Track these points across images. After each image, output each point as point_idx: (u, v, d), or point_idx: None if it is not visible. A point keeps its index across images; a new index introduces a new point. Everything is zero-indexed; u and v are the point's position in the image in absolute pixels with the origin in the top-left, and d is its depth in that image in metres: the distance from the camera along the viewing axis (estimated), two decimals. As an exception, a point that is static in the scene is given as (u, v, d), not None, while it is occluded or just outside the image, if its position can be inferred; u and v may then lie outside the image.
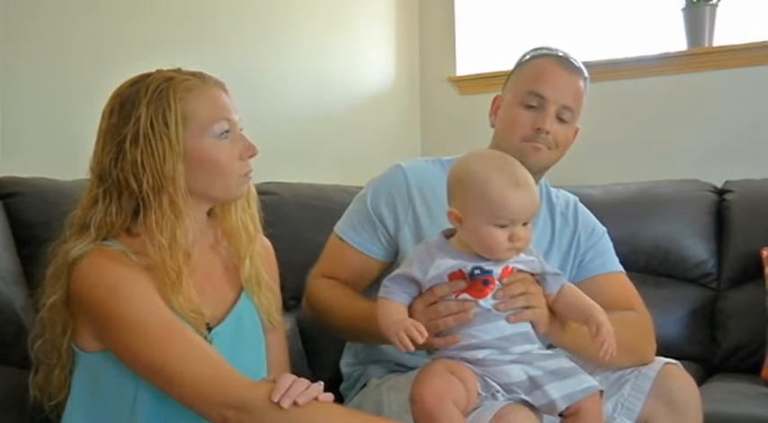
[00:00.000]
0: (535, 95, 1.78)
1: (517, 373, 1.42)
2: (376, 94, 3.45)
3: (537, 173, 1.76)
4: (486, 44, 3.59)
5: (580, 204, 1.95)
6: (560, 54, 1.83)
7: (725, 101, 3.10)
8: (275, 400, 1.30)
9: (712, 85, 3.12)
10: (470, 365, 1.42)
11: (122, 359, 1.41)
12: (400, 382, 1.71)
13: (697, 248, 2.72)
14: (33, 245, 1.75)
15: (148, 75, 1.49)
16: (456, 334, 1.44)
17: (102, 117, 1.49)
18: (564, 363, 1.44)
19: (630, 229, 2.67)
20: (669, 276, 2.73)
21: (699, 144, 3.12)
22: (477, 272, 1.44)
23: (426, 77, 3.65)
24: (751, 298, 2.55)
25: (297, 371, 1.54)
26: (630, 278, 1.90)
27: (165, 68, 1.52)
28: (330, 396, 1.35)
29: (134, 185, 1.43)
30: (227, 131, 1.49)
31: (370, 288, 1.77)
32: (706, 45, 3.13)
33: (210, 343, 1.46)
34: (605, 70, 3.21)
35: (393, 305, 1.47)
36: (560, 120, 1.79)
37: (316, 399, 1.32)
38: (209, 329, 1.49)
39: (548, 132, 1.76)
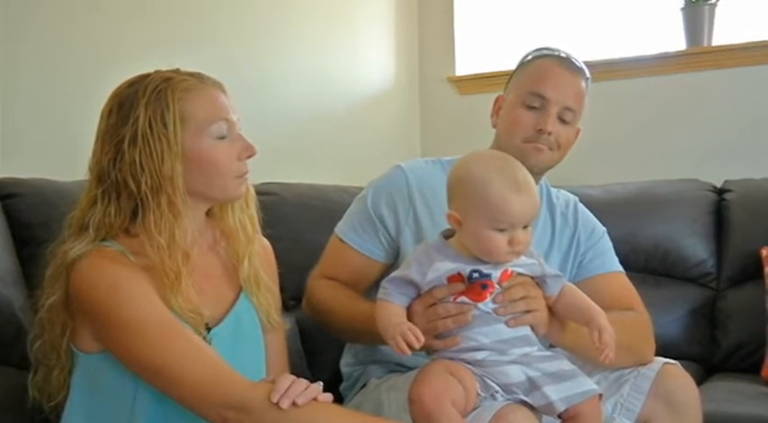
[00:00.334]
0: (537, 96, 1.78)
1: (516, 374, 1.42)
2: (376, 94, 3.45)
3: (538, 173, 1.76)
4: (486, 44, 3.59)
5: (580, 204, 1.95)
6: (562, 55, 1.84)
7: (724, 100, 3.10)
8: (274, 400, 1.30)
9: (711, 85, 3.12)
10: (469, 366, 1.42)
11: (121, 360, 1.41)
12: (400, 382, 1.71)
13: (696, 248, 2.72)
14: (33, 246, 1.75)
15: (147, 75, 1.49)
16: (455, 336, 1.44)
17: (101, 117, 1.49)
18: (563, 365, 1.44)
19: (630, 228, 2.68)
20: (669, 276, 2.73)
21: (698, 144, 3.12)
22: (475, 275, 1.43)
23: (426, 77, 3.65)
24: (751, 297, 2.55)
25: (296, 371, 1.54)
26: (630, 278, 1.90)
27: (164, 69, 1.52)
28: (329, 396, 1.35)
29: (132, 186, 1.43)
30: (225, 132, 1.49)
31: (371, 289, 1.77)
32: (705, 45, 3.13)
33: (209, 343, 1.46)
34: (604, 70, 3.21)
35: (391, 307, 1.46)
36: (562, 121, 1.79)
37: (315, 399, 1.32)
38: (209, 330, 1.49)
39: (549, 133, 1.76)
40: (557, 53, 1.84)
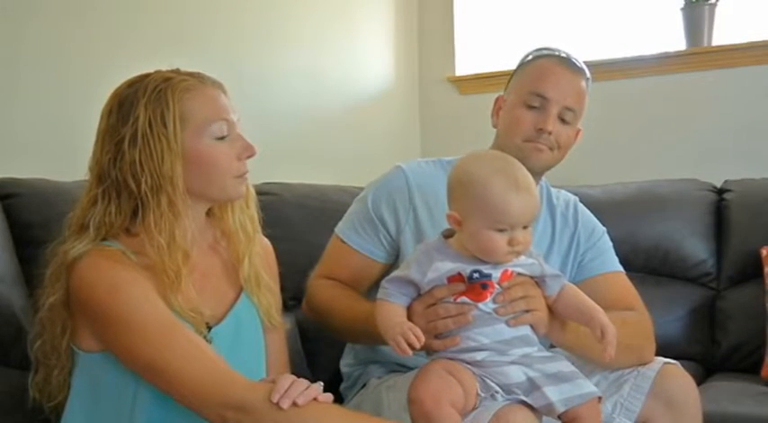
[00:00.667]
0: (537, 96, 1.78)
1: (516, 374, 1.42)
2: (376, 94, 3.45)
3: (538, 173, 1.76)
4: (486, 44, 3.59)
5: (580, 204, 1.95)
6: (563, 55, 1.84)
7: (724, 100, 3.10)
8: (274, 400, 1.30)
9: (711, 85, 3.12)
10: (469, 366, 1.42)
11: (121, 359, 1.41)
12: (400, 382, 1.71)
13: (696, 248, 2.72)
14: (32, 246, 1.75)
15: (147, 75, 1.50)
16: (455, 336, 1.44)
17: (101, 117, 1.49)
18: (564, 366, 1.44)
19: (630, 228, 2.67)
20: (669, 276, 2.73)
21: (698, 143, 3.12)
22: (475, 275, 1.43)
23: (426, 77, 3.65)
24: (750, 297, 2.55)
25: (296, 371, 1.54)
26: (630, 278, 1.90)
27: (164, 69, 1.52)
28: (329, 396, 1.35)
29: (133, 185, 1.43)
30: (225, 132, 1.49)
31: (371, 289, 1.77)
32: (705, 44, 3.13)
33: (210, 342, 1.46)
34: (604, 70, 3.21)
35: (392, 307, 1.46)
36: (562, 120, 1.79)
37: (315, 399, 1.32)
38: (209, 329, 1.49)
39: (550, 133, 1.76)
40: (557, 53, 1.84)
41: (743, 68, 3.06)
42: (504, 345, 1.43)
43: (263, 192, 1.92)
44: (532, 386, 1.41)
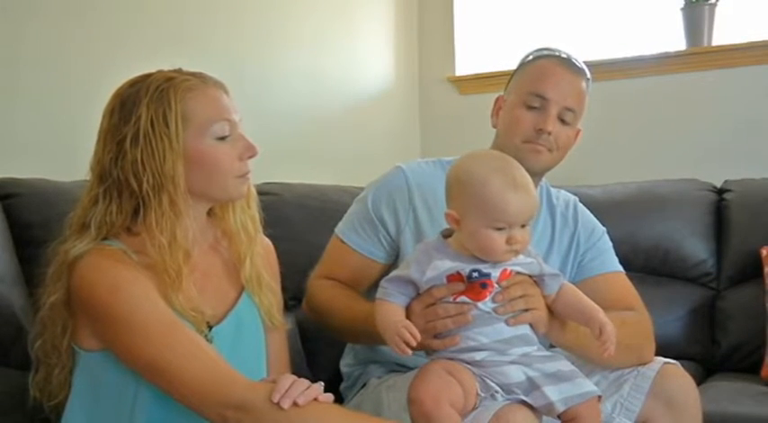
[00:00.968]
0: (537, 96, 1.78)
1: (516, 374, 1.42)
2: (376, 94, 3.45)
3: (537, 174, 1.76)
4: (486, 44, 3.59)
5: (580, 204, 1.95)
6: (563, 55, 1.83)
7: (724, 100, 3.10)
8: (275, 400, 1.30)
9: (711, 85, 3.12)
10: (469, 366, 1.42)
11: (122, 358, 1.41)
12: (400, 381, 1.71)
13: (696, 248, 2.72)
14: (32, 246, 1.75)
15: (149, 75, 1.50)
16: (455, 336, 1.44)
17: (103, 117, 1.50)
18: (563, 366, 1.44)
19: (630, 228, 2.67)
20: (668, 276, 2.73)
21: (698, 143, 3.12)
22: (475, 275, 1.43)
23: (426, 77, 3.65)
24: (750, 297, 2.55)
25: (297, 371, 1.54)
26: (630, 278, 1.90)
27: (166, 69, 1.52)
28: (330, 396, 1.35)
29: (134, 185, 1.44)
30: (227, 132, 1.49)
31: (371, 290, 1.76)
32: (705, 44, 3.14)
33: (211, 341, 1.46)
34: (604, 70, 3.21)
35: (391, 307, 1.46)
36: (562, 121, 1.79)
37: (315, 399, 1.32)
38: (210, 328, 1.49)
39: (549, 133, 1.76)
40: (557, 53, 1.84)
41: (743, 68, 3.06)
42: (503, 344, 1.43)
43: (263, 192, 1.91)
44: (532, 386, 1.41)
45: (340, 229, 1.88)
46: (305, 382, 1.33)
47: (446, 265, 1.45)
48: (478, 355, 1.43)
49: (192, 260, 1.47)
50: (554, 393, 1.40)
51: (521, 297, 1.46)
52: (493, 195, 1.41)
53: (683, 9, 3.16)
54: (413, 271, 1.47)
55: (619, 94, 3.22)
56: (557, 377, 1.42)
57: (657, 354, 1.73)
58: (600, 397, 1.45)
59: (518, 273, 1.47)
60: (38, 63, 2.21)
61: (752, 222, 2.66)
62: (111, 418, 1.45)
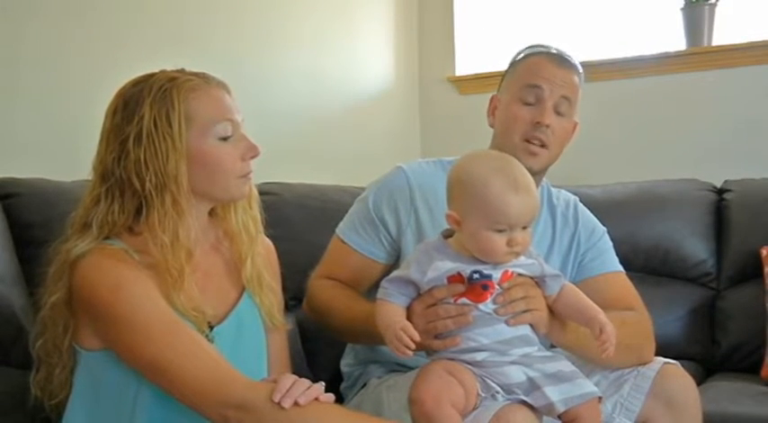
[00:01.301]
0: (532, 89, 1.78)
1: (517, 375, 1.42)
2: (376, 94, 3.45)
3: (536, 173, 1.76)
4: (486, 44, 3.59)
5: (580, 204, 1.95)
6: (554, 50, 1.85)
7: (724, 100, 3.10)
8: (276, 400, 1.30)
9: (711, 85, 3.12)
10: (470, 366, 1.42)
11: (123, 357, 1.41)
12: (400, 381, 1.71)
13: (696, 248, 2.71)
14: (33, 246, 1.75)
15: (152, 75, 1.50)
16: (455, 337, 1.44)
17: (106, 116, 1.50)
18: (564, 366, 1.44)
19: (630, 228, 2.67)
20: (668, 276, 2.73)
21: (698, 143, 3.12)
22: (476, 276, 1.43)
23: (426, 77, 3.65)
24: (750, 297, 2.55)
25: (297, 371, 1.54)
26: (630, 278, 1.90)
27: (169, 69, 1.52)
28: (331, 396, 1.35)
29: (137, 184, 1.44)
30: (229, 132, 1.50)
31: (372, 290, 1.76)
32: (705, 44, 3.14)
33: (212, 341, 1.46)
34: (604, 70, 3.22)
35: (391, 307, 1.46)
36: (558, 113, 1.79)
37: (316, 399, 1.32)
38: (211, 328, 1.49)
39: (547, 126, 1.77)
40: (548, 49, 1.85)
41: (743, 68, 3.06)
42: (504, 345, 1.43)
43: (263, 192, 1.91)
44: (532, 386, 1.41)
45: (341, 229, 1.88)
46: (306, 382, 1.33)
47: (447, 265, 1.45)
48: (479, 356, 1.42)
49: (193, 260, 1.47)
50: (554, 394, 1.40)
51: (522, 299, 1.46)
52: (494, 197, 1.41)
53: (683, 9, 3.16)
54: (413, 271, 1.47)
55: (619, 94, 3.22)
56: (557, 378, 1.42)
57: (657, 354, 1.73)
58: (600, 398, 1.45)
59: (519, 274, 1.47)
60: (38, 63, 2.21)
61: (752, 222, 2.66)
62: (111, 418, 1.45)
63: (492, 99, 1.89)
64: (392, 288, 1.48)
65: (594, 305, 1.49)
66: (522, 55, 1.87)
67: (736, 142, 3.04)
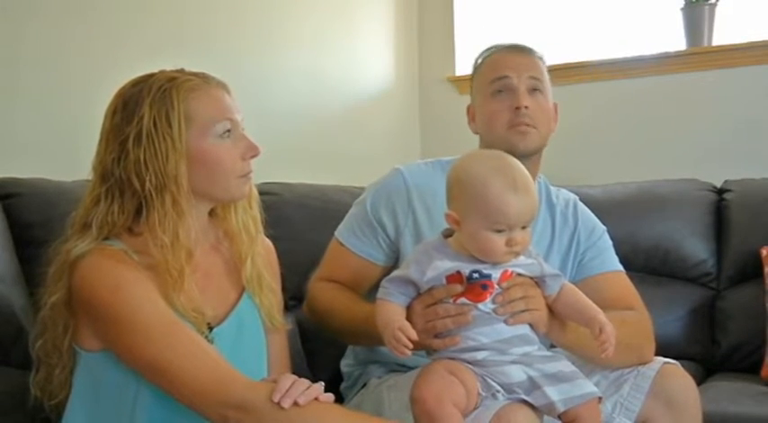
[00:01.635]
0: (500, 81, 1.81)
1: (517, 374, 1.42)
2: (376, 94, 3.45)
3: (533, 153, 1.78)
4: (486, 44, 3.58)
5: (580, 203, 1.95)
6: (508, 44, 1.89)
7: (724, 100, 3.10)
8: (275, 400, 1.30)
9: (711, 85, 3.12)
10: (470, 366, 1.42)
11: (123, 358, 1.41)
12: (400, 381, 1.71)
13: (696, 248, 2.72)
14: (33, 246, 1.75)
15: (151, 75, 1.50)
16: (455, 336, 1.44)
17: (105, 117, 1.50)
18: (564, 366, 1.44)
19: (630, 228, 2.67)
20: (669, 276, 2.73)
21: (698, 143, 3.12)
22: (475, 276, 1.43)
23: (426, 77, 3.65)
24: (750, 297, 2.55)
25: (297, 371, 1.54)
26: (630, 278, 1.89)
27: (168, 69, 1.52)
28: (330, 396, 1.35)
29: (137, 184, 1.44)
30: (229, 131, 1.50)
31: (371, 292, 1.76)
32: (705, 44, 3.14)
33: (212, 342, 1.46)
34: (605, 70, 3.22)
35: (391, 307, 1.47)
36: (533, 94, 1.81)
37: (316, 399, 1.32)
38: (211, 329, 1.49)
39: (526, 107, 1.79)
40: (502, 45, 1.90)
41: (743, 68, 3.06)
42: (503, 344, 1.43)
43: (263, 192, 1.91)
44: (533, 385, 1.41)
45: (339, 232, 1.88)
46: (305, 382, 1.33)
47: (446, 265, 1.45)
48: (479, 355, 1.43)
49: (193, 260, 1.47)
50: (554, 394, 1.40)
51: (521, 298, 1.46)
52: (493, 197, 1.41)
53: (683, 9, 3.16)
54: (412, 271, 1.47)
55: (619, 94, 3.22)
56: (557, 378, 1.42)
57: (657, 354, 1.73)
58: (600, 398, 1.45)
59: (519, 274, 1.47)
60: (38, 63, 2.21)
61: (752, 222, 2.66)
62: (111, 419, 1.45)
63: (468, 109, 1.92)
64: (392, 287, 1.48)
65: (594, 305, 1.49)
66: (480, 59, 1.91)
67: (736, 142, 3.04)
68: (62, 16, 2.28)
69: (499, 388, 1.41)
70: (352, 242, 1.84)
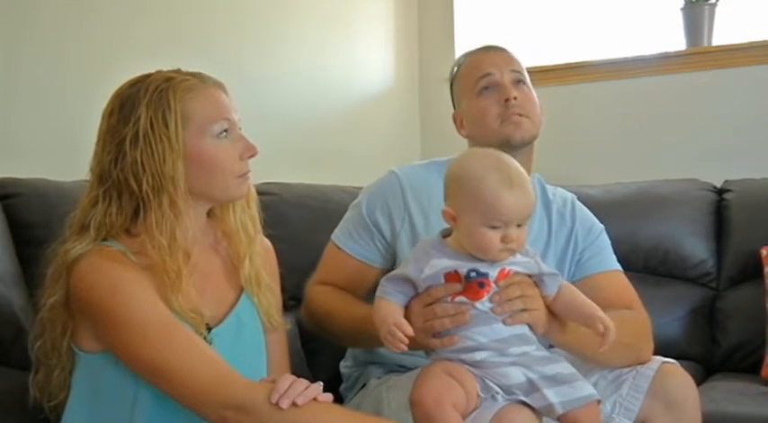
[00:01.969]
0: (484, 79, 1.84)
1: (516, 375, 1.42)
2: (376, 95, 3.45)
3: (527, 144, 1.81)
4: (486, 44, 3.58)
5: (578, 202, 1.95)
6: (481, 46, 1.93)
7: (724, 100, 3.10)
8: (274, 400, 1.30)
9: (711, 85, 3.12)
10: (469, 367, 1.42)
11: (122, 359, 1.41)
12: (400, 381, 1.71)
13: (696, 248, 2.71)
14: (33, 246, 1.75)
15: (148, 75, 1.50)
16: (453, 335, 1.44)
17: (102, 118, 1.50)
18: (563, 368, 1.44)
19: (630, 228, 2.67)
20: (668, 276, 2.73)
21: (698, 143, 3.11)
22: (473, 274, 1.43)
23: (426, 77, 3.64)
24: (750, 297, 2.54)
25: (296, 371, 1.54)
26: (630, 278, 1.89)
27: (165, 69, 1.52)
28: (329, 396, 1.35)
29: (134, 185, 1.44)
30: (226, 131, 1.50)
31: (369, 295, 1.76)
32: (705, 44, 3.13)
33: (210, 343, 1.46)
34: (605, 70, 3.22)
35: (388, 305, 1.47)
36: (517, 85, 1.84)
37: (315, 399, 1.32)
38: (209, 329, 1.49)
39: (515, 98, 1.81)
40: (476, 48, 1.93)
41: (743, 68, 3.06)
42: (502, 343, 1.43)
43: (262, 192, 1.91)
44: (532, 387, 1.41)
45: (336, 235, 1.88)
46: (304, 382, 1.33)
47: (444, 263, 1.45)
48: (478, 356, 1.43)
49: (191, 261, 1.47)
50: (553, 396, 1.40)
51: (519, 297, 1.46)
52: (488, 193, 1.41)
53: (683, 9, 3.16)
54: (410, 269, 1.47)
55: (619, 94, 3.22)
56: (556, 380, 1.42)
57: (657, 354, 1.73)
58: (599, 401, 1.45)
59: (516, 272, 1.47)
60: (38, 63, 2.21)
61: (752, 222, 2.65)
62: (110, 419, 1.45)
63: (454, 117, 1.94)
64: (390, 286, 1.48)
65: (593, 304, 1.49)
66: (455, 67, 1.95)
67: (736, 142, 3.04)
68: (62, 16, 2.28)
69: (498, 389, 1.41)
70: (349, 245, 1.85)
